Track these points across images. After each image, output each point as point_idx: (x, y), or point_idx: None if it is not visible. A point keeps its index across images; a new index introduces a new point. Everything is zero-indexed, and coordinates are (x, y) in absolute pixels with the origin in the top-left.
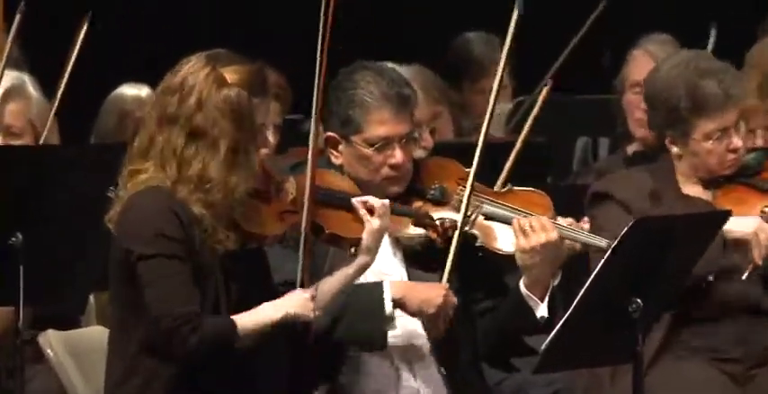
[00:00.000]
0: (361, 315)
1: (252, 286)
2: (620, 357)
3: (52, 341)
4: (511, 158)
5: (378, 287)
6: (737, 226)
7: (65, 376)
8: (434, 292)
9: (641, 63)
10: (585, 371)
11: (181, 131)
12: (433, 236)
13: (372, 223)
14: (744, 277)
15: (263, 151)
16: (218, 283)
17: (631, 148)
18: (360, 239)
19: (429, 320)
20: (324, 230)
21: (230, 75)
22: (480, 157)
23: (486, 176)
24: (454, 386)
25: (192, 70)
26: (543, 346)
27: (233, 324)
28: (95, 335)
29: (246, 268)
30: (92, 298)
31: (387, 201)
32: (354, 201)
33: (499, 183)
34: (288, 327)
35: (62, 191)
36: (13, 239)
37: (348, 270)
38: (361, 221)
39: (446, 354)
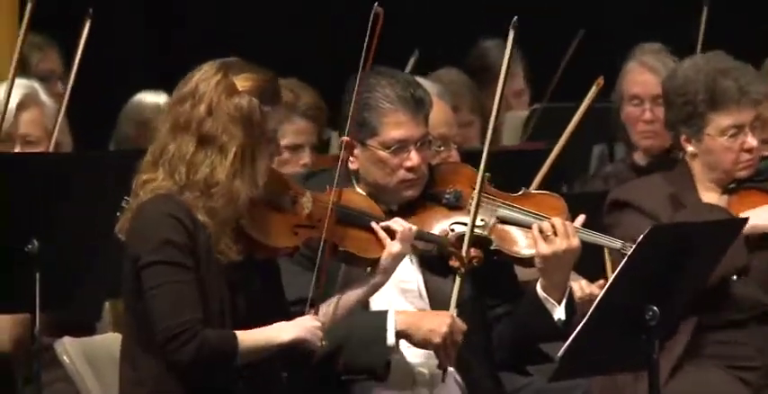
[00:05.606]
0: (363, 345)
1: (261, 298)
2: (637, 365)
3: (68, 348)
4: (547, 163)
5: (381, 317)
6: (762, 219)
7: (81, 383)
8: (439, 322)
9: (637, 75)
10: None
11: (192, 138)
12: (456, 264)
13: (393, 247)
14: None
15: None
16: (222, 294)
17: (638, 156)
18: (375, 260)
19: (435, 350)
20: (338, 248)
21: (241, 82)
22: (486, 162)
23: (506, 183)
24: None
25: (204, 77)
26: (559, 354)
27: (233, 337)
28: (111, 341)
29: (255, 280)
30: (107, 304)
31: (414, 228)
32: (373, 224)
33: (532, 188)
34: (291, 351)
35: (78, 198)
36: (30, 246)
37: (361, 288)
38: (379, 243)
39: (463, 364)
